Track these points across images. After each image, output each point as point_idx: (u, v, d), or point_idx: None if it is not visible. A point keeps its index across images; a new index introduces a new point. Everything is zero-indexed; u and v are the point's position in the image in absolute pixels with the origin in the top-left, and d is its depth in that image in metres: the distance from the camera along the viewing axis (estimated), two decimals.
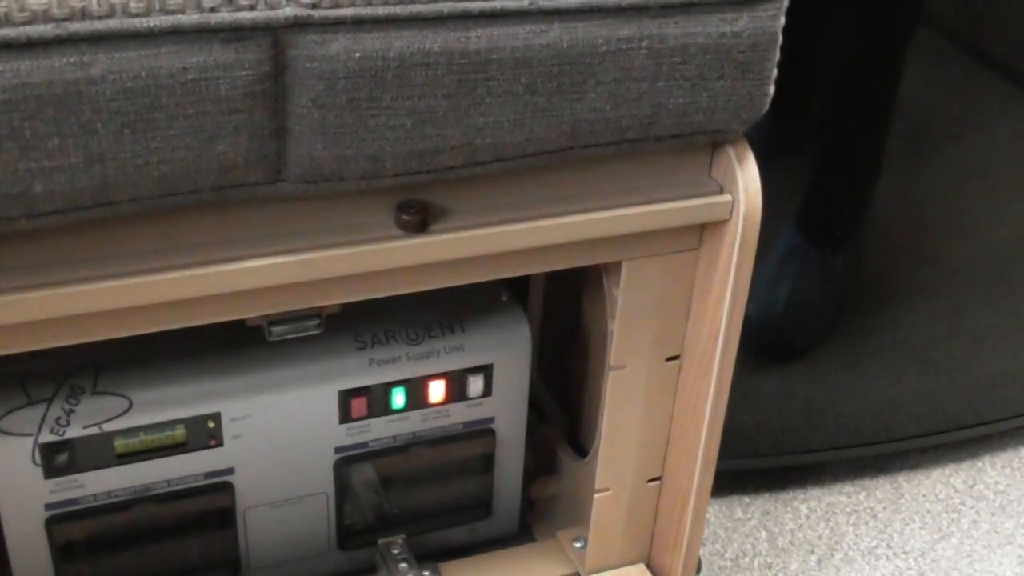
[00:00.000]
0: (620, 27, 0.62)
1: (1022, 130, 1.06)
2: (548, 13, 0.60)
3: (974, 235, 1.10)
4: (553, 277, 0.92)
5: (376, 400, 0.78)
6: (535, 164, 0.66)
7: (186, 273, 0.61)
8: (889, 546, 1.16)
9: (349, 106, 0.58)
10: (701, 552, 0.87)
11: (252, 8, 0.55)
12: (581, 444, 0.90)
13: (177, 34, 0.54)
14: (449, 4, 0.58)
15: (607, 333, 0.78)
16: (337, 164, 0.60)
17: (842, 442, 1.19)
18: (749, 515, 1.19)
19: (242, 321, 0.68)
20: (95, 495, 0.74)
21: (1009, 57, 1.03)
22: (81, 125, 0.54)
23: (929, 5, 0.98)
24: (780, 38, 0.67)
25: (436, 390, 0.80)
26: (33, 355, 0.63)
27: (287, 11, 0.55)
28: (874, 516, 1.20)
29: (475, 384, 0.81)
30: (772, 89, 0.68)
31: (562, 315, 0.91)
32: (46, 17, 0.51)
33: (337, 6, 0.56)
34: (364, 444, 0.80)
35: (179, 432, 0.74)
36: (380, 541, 0.84)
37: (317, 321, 0.71)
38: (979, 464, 1.28)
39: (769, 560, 1.13)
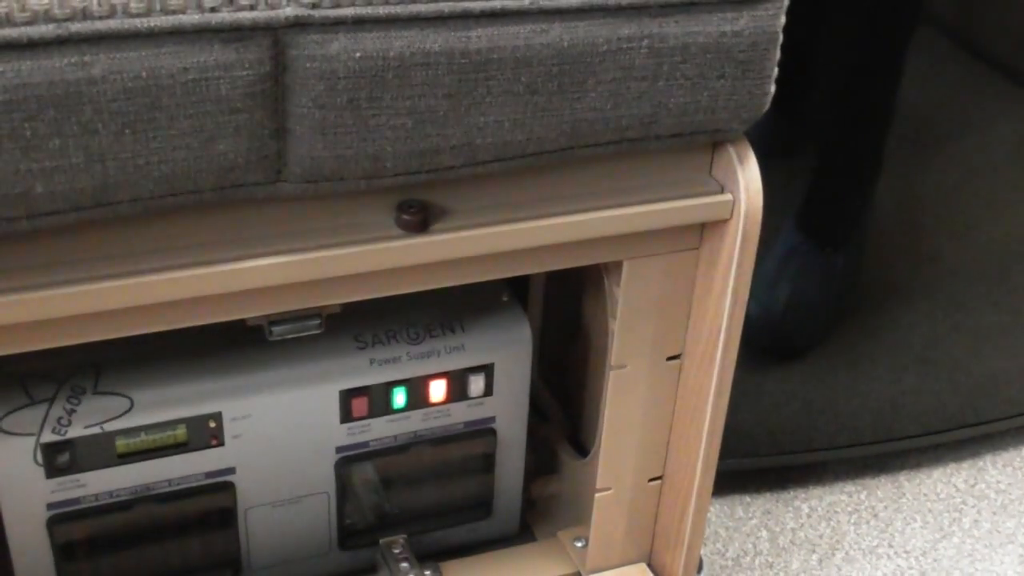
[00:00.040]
0: (621, 26, 0.62)
1: (1022, 130, 1.06)
2: (548, 12, 0.60)
3: (974, 235, 1.10)
4: (553, 277, 0.92)
5: (377, 400, 0.78)
6: (535, 164, 0.66)
7: (187, 273, 0.61)
8: (890, 545, 1.16)
9: (349, 106, 0.58)
10: (702, 551, 0.87)
11: (252, 8, 0.55)
12: (582, 444, 0.90)
13: (178, 34, 0.54)
14: (449, 4, 0.58)
15: (608, 333, 0.78)
16: (337, 164, 0.60)
17: (843, 441, 1.19)
18: (750, 514, 1.19)
19: (243, 321, 0.68)
20: (96, 495, 0.74)
21: (1009, 57, 1.03)
22: (82, 125, 0.54)
23: (929, 5, 0.98)
24: (781, 37, 0.67)
25: (437, 390, 0.80)
26: (34, 355, 0.63)
27: (287, 11, 0.55)
28: (875, 515, 1.20)
29: (476, 384, 0.81)
30: (773, 88, 0.68)
31: (562, 315, 0.91)
32: (47, 17, 0.51)
33: (337, 6, 0.56)
34: (365, 444, 0.80)
35: (180, 432, 0.74)
36: (381, 541, 0.84)
37: (318, 321, 0.71)
38: (980, 463, 1.28)
39: (770, 559, 1.13)
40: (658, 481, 0.84)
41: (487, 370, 0.81)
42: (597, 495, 0.83)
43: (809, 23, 0.94)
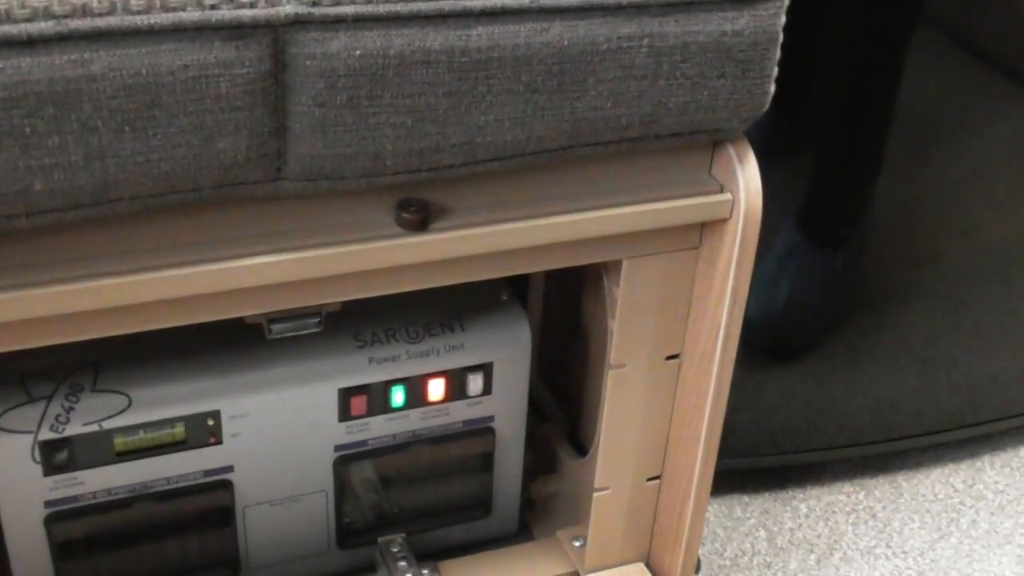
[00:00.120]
0: (621, 25, 0.62)
1: (1022, 130, 1.06)
2: (549, 11, 0.60)
3: (974, 235, 1.10)
4: (553, 276, 0.92)
5: (376, 398, 0.78)
6: (535, 162, 0.66)
7: (186, 271, 0.61)
8: (888, 545, 1.16)
9: (349, 104, 0.58)
10: (700, 551, 0.87)
11: (253, 6, 0.55)
12: (581, 443, 0.90)
13: (178, 31, 0.54)
14: (450, 2, 0.58)
15: (607, 332, 0.78)
16: (337, 162, 0.60)
17: (842, 441, 1.19)
18: (748, 514, 1.19)
19: (242, 319, 0.68)
20: (95, 493, 0.74)
21: (1009, 57, 1.03)
22: (81, 123, 0.54)
23: (929, 5, 0.98)
24: (781, 37, 0.67)
25: (436, 388, 0.80)
26: (33, 352, 0.63)
27: (288, 9, 0.55)
28: (873, 515, 1.20)
29: (475, 383, 0.81)
30: (773, 88, 0.68)
31: (562, 314, 0.91)
32: (47, 14, 0.51)
33: (338, 4, 0.56)
34: (364, 442, 0.80)
35: (179, 430, 0.74)
36: (380, 540, 0.84)
37: (317, 319, 0.71)
38: (978, 464, 1.28)
39: (768, 559, 1.13)
40: (657, 481, 0.84)
41: (486, 369, 0.80)
42: (596, 494, 0.83)
43: (809, 23, 0.94)
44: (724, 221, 0.72)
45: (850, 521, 1.19)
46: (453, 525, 0.86)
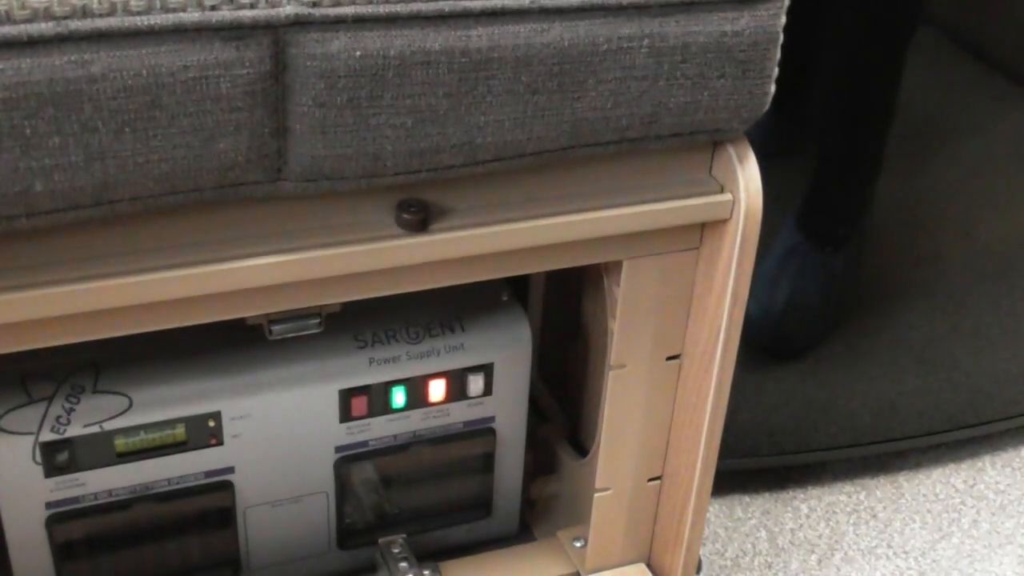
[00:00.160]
0: (621, 26, 0.62)
1: (1022, 130, 1.06)
2: (549, 12, 0.60)
3: (974, 235, 1.10)
4: (553, 276, 0.92)
5: (376, 399, 0.78)
6: (536, 163, 0.66)
7: (186, 272, 0.61)
8: (889, 546, 1.16)
9: (350, 105, 0.58)
10: (701, 552, 0.87)
11: (253, 6, 0.55)
12: (581, 443, 0.90)
13: (178, 32, 0.54)
14: (450, 3, 0.58)
15: (607, 332, 0.78)
16: (338, 163, 0.60)
17: (842, 442, 1.19)
18: (749, 514, 1.19)
19: (242, 320, 0.68)
20: (95, 494, 0.74)
21: (1009, 57, 1.03)
22: (82, 123, 0.54)
23: (929, 5, 0.98)
24: (781, 37, 0.67)
25: (436, 389, 0.80)
26: (33, 354, 0.63)
27: (288, 9, 0.55)
28: (874, 516, 1.20)
29: (475, 383, 0.81)
30: (773, 88, 0.68)
31: (562, 315, 0.91)
32: (47, 15, 0.51)
33: (338, 5, 0.56)
34: (364, 443, 0.80)
35: (179, 431, 0.74)
36: (380, 540, 0.84)
37: (317, 320, 0.71)
38: (979, 464, 1.28)
39: (769, 560, 1.13)
40: (657, 481, 0.84)
41: (487, 370, 0.80)
42: (596, 495, 0.83)
43: (809, 23, 0.94)
44: (724, 221, 0.72)
45: (851, 521, 1.19)
46: (454, 526, 0.86)
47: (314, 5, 0.56)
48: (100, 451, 0.73)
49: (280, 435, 0.77)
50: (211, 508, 0.78)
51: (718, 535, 1.16)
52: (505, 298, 0.83)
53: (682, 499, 0.82)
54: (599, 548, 0.85)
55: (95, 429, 0.72)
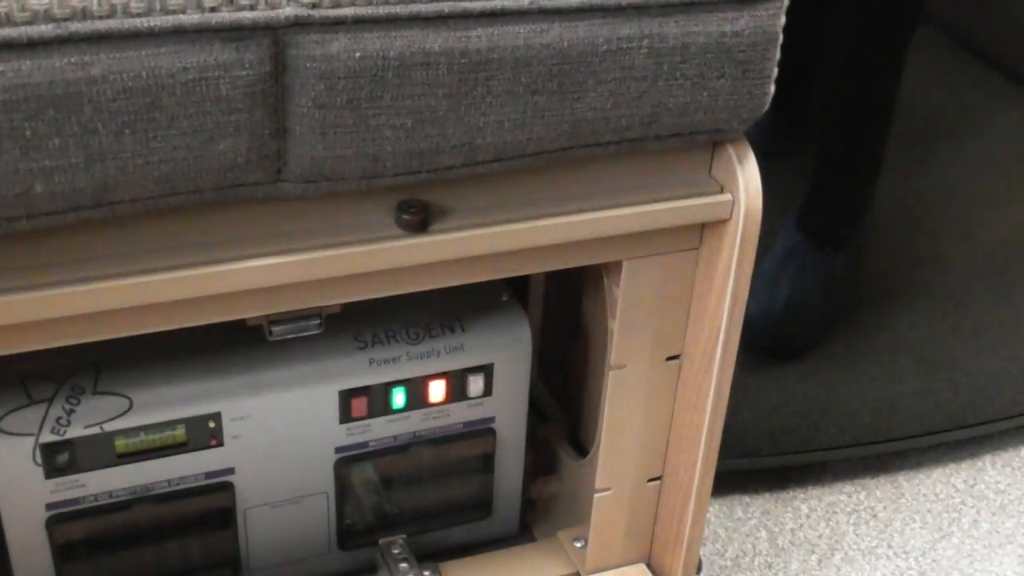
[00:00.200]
0: (620, 26, 0.62)
1: (1022, 130, 1.06)
2: (548, 12, 0.60)
3: (974, 235, 1.10)
4: (553, 277, 0.92)
5: (376, 400, 0.78)
6: (535, 164, 0.66)
7: (186, 273, 0.61)
8: (889, 546, 1.16)
9: (349, 106, 0.58)
10: (701, 552, 0.87)
11: (252, 8, 0.55)
12: (581, 444, 0.90)
13: (178, 34, 0.54)
14: (449, 4, 0.58)
15: (607, 333, 0.78)
16: (337, 164, 0.60)
17: (842, 442, 1.19)
18: (749, 515, 1.19)
19: (243, 321, 0.68)
20: (96, 495, 0.74)
21: (1009, 57, 1.03)
22: (82, 125, 0.54)
23: (929, 5, 0.98)
24: (780, 37, 0.67)
25: (436, 390, 0.80)
26: (34, 355, 0.63)
27: (287, 11, 0.55)
28: (874, 516, 1.20)
29: (475, 384, 0.81)
30: (772, 88, 0.68)
31: (562, 315, 0.91)
32: (47, 17, 0.51)
33: (337, 6, 0.56)
34: (364, 444, 0.80)
35: (179, 432, 0.74)
36: (380, 541, 0.84)
37: (317, 321, 0.71)
38: (979, 463, 1.28)
39: (769, 560, 1.13)
40: (657, 481, 0.84)
41: (487, 370, 0.80)
42: (596, 495, 0.83)
43: (809, 23, 0.94)
44: (724, 222, 0.72)
45: (851, 521, 1.19)
46: (454, 526, 0.86)
47: (314, 6, 0.56)
48: (100, 452, 0.73)
49: (280, 436, 0.77)
50: (211, 509, 0.78)
51: (718, 535, 1.16)
52: (505, 298, 0.83)
53: (682, 499, 0.82)
54: (599, 548, 0.85)
55: (95, 430, 0.72)
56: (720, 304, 0.74)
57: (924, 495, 1.23)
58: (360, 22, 0.57)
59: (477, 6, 0.59)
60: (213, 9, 0.54)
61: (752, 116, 0.69)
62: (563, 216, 0.68)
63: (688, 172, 0.72)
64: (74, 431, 0.71)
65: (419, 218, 0.65)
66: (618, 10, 0.62)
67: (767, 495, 1.21)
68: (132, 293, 0.60)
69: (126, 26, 0.53)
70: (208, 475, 0.76)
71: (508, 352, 0.81)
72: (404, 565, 0.82)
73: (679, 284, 0.76)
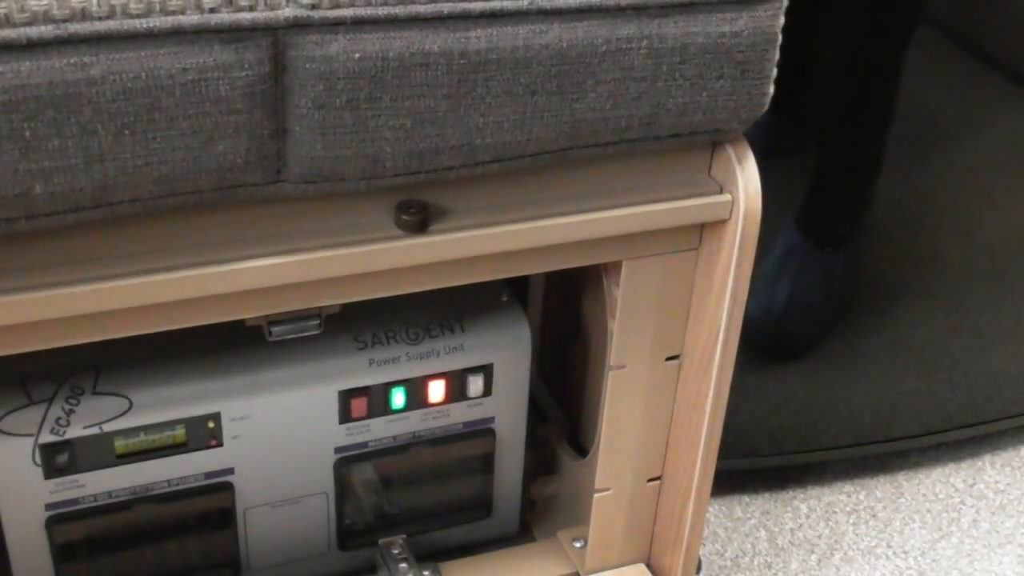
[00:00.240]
0: (619, 27, 0.62)
1: (1022, 130, 1.06)
2: (548, 13, 0.60)
3: (974, 235, 1.10)
4: (553, 277, 0.92)
5: (376, 400, 0.78)
6: (535, 164, 0.66)
7: (186, 273, 0.61)
8: (889, 545, 1.16)
9: (349, 106, 0.58)
10: (701, 552, 0.87)
11: (252, 9, 0.55)
12: (581, 444, 0.90)
13: (177, 35, 0.54)
14: (449, 4, 0.58)
15: (607, 333, 0.78)
16: (337, 164, 0.60)
17: (842, 441, 1.19)
18: (749, 514, 1.19)
19: (242, 321, 0.68)
20: (95, 495, 0.74)
21: (1009, 57, 1.03)
22: (81, 126, 0.54)
23: (929, 5, 0.98)
24: (780, 38, 0.67)
25: (436, 390, 0.80)
26: (33, 355, 0.63)
27: (287, 12, 0.55)
28: (874, 515, 1.20)
29: (475, 384, 0.81)
30: (772, 88, 0.68)
31: (562, 315, 0.91)
32: (46, 18, 0.51)
33: (337, 7, 0.56)
34: (364, 444, 0.80)
35: (179, 432, 0.74)
36: (380, 541, 0.84)
37: (317, 321, 0.71)
38: (979, 463, 1.28)
39: (769, 560, 1.13)
40: (657, 481, 0.84)
41: (486, 370, 0.81)
42: (596, 495, 0.83)
43: (809, 23, 0.94)
44: (724, 222, 0.72)
45: (851, 521, 1.19)
46: (454, 526, 0.86)
47: (313, 7, 0.56)
48: (100, 452, 0.73)
49: (280, 436, 0.77)
50: (211, 509, 0.78)
51: (718, 535, 1.16)
52: (505, 299, 0.83)
53: (682, 499, 0.82)
54: (599, 548, 0.85)
55: (95, 430, 0.72)
56: (720, 304, 0.74)
57: (924, 495, 1.23)
58: (359, 23, 0.57)
59: (476, 7, 0.59)
60: (212, 10, 0.54)
61: (751, 116, 0.69)
62: (563, 216, 0.68)
63: (687, 172, 0.72)
64: (74, 431, 0.72)
65: (419, 218, 0.65)
66: (617, 11, 0.62)
67: (767, 495, 1.21)
68: (132, 293, 0.60)
69: (125, 27, 0.53)
70: (208, 475, 0.76)
71: (508, 352, 0.81)
72: (404, 565, 0.82)
73: (679, 284, 0.76)
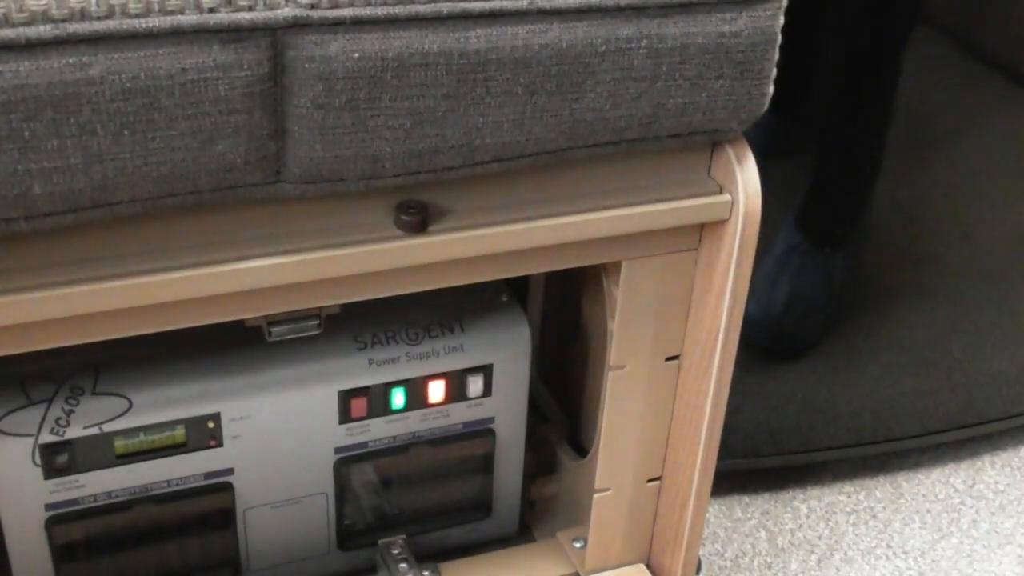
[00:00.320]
0: (619, 27, 0.62)
1: (1022, 130, 1.06)
2: (547, 13, 0.60)
3: (974, 235, 1.10)
4: (553, 277, 0.92)
5: (376, 400, 0.78)
6: (534, 164, 0.66)
7: (185, 274, 0.61)
8: (889, 546, 1.16)
9: (348, 107, 0.58)
10: (701, 552, 0.87)
11: (251, 9, 0.55)
12: (581, 444, 0.90)
13: (176, 35, 0.54)
14: (448, 4, 0.58)
15: (607, 333, 0.78)
16: (336, 164, 0.60)
17: (842, 442, 1.19)
18: (749, 515, 1.19)
19: (242, 321, 0.68)
20: (95, 495, 0.74)
21: (1009, 57, 1.03)
22: (80, 126, 0.54)
23: (929, 5, 0.98)
24: (779, 38, 0.67)
25: (436, 390, 0.80)
26: (33, 356, 0.63)
27: (286, 12, 0.55)
28: (874, 516, 1.20)
29: (475, 384, 0.81)
30: (771, 89, 0.68)
31: (562, 315, 0.91)
32: (45, 18, 0.51)
33: (336, 6, 0.56)
34: (364, 444, 0.80)
35: (179, 432, 0.74)
36: (380, 541, 0.84)
37: (317, 321, 0.71)
38: (979, 464, 1.28)
39: (769, 560, 1.13)
40: (657, 482, 0.84)
41: (486, 370, 0.81)
42: (596, 496, 0.83)
43: (808, 23, 0.94)
44: (723, 222, 0.72)
45: (851, 521, 1.19)
46: (454, 526, 0.86)
47: (312, 7, 0.56)
48: (100, 453, 0.73)
49: (280, 436, 0.77)
50: (211, 509, 0.78)
51: (718, 535, 1.16)
52: (504, 299, 0.83)
53: (682, 499, 0.82)
54: (599, 549, 0.85)
55: (95, 431, 0.72)
56: (720, 304, 0.74)
57: (923, 495, 1.23)
58: (359, 23, 0.57)
59: (476, 7, 0.59)
60: (211, 10, 0.54)
61: (751, 116, 0.69)
62: (563, 216, 0.68)
63: (687, 173, 0.72)
64: (73, 432, 0.72)
65: (418, 219, 0.65)
66: (617, 11, 0.62)
67: (767, 495, 1.21)
68: (132, 293, 0.60)
69: (124, 27, 0.53)
70: (208, 475, 0.76)
71: (508, 352, 0.81)
72: (404, 565, 0.82)
73: (678, 284, 0.76)
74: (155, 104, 0.54)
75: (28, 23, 0.51)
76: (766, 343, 1.12)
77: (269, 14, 0.55)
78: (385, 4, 0.57)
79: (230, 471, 0.77)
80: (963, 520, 1.20)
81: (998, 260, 1.13)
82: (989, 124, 1.04)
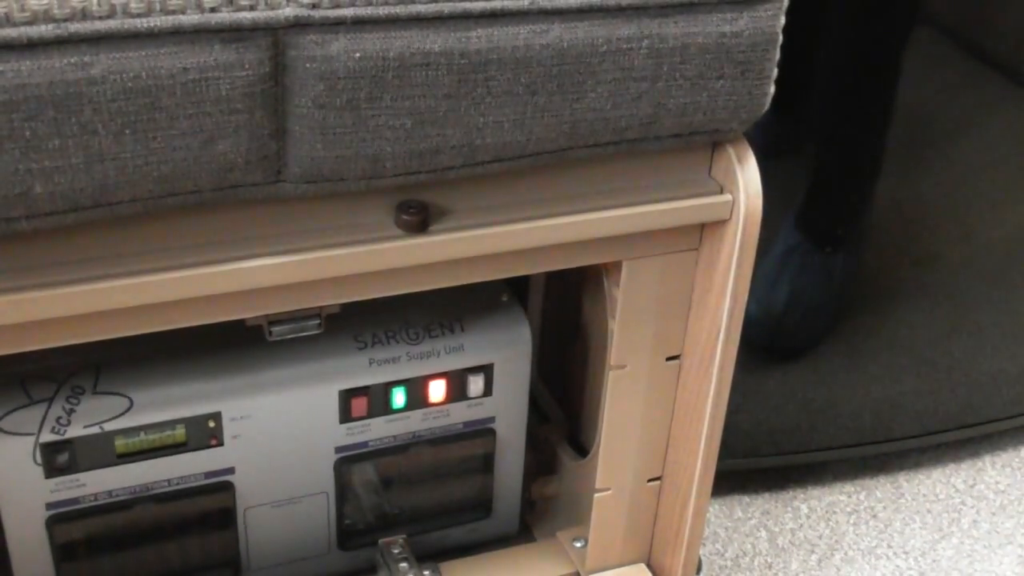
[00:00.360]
0: (620, 27, 0.62)
1: (1022, 130, 1.06)
2: (548, 13, 0.60)
3: (974, 235, 1.10)
4: (553, 277, 0.92)
5: (376, 400, 0.78)
6: (535, 164, 0.66)
7: (186, 273, 0.61)
8: (889, 546, 1.16)
9: (349, 106, 0.58)
10: (701, 552, 0.87)
11: (252, 8, 0.55)
12: (581, 444, 0.90)
13: (177, 34, 0.54)
14: (449, 4, 0.58)
15: (607, 333, 0.78)
16: (337, 164, 0.60)
17: (842, 442, 1.19)
18: (749, 515, 1.19)
19: (242, 321, 0.68)
20: (96, 495, 0.74)
21: (1009, 57, 1.03)
22: (81, 126, 0.54)
23: (929, 5, 0.98)
24: (780, 38, 0.67)
25: (436, 390, 0.80)
26: (34, 355, 0.63)
27: (287, 11, 0.55)
28: (874, 516, 1.20)
29: (475, 384, 0.81)
30: (772, 89, 0.68)
31: (562, 315, 0.91)
32: (47, 17, 0.51)
33: (337, 6, 0.56)
34: (364, 444, 0.80)
35: (179, 432, 0.74)
36: (380, 541, 0.84)
37: (317, 321, 0.71)
38: (979, 464, 1.28)
39: (769, 560, 1.13)
40: (657, 481, 0.84)
41: (486, 370, 0.81)
42: (596, 495, 0.83)
43: (809, 23, 0.94)
44: (724, 222, 0.72)
45: (851, 521, 1.19)
46: (454, 526, 0.86)
47: (313, 7, 0.56)
48: (100, 452, 0.73)
49: (280, 436, 0.77)
50: (211, 509, 0.78)
51: (718, 535, 1.16)
52: (505, 299, 0.83)
53: (682, 499, 0.82)
54: (599, 548, 0.85)
55: (95, 430, 0.72)
56: (720, 304, 0.74)
57: (924, 495, 1.23)
58: (360, 23, 0.57)
59: (477, 7, 0.59)
60: (213, 9, 0.54)
61: (752, 117, 0.69)
62: (563, 216, 0.68)
63: (688, 173, 0.72)
64: (74, 431, 0.72)
65: (419, 218, 0.65)
66: (618, 11, 0.62)
67: (767, 495, 1.21)
68: (132, 293, 0.60)
69: (126, 26, 0.53)
70: (208, 475, 0.76)
71: (508, 352, 0.81)
72: (404, 565, 0.82)
73: (679, 284, 0.76)
74: (156, 104, 0.55)
75: (30, 22, 0.51)
76: (766, 343, 1.12)
77: (270, 14, 0.55)
78: (386, 4, 0.57)
79: (231, 470, 0.77)
80: (964, 520, 1.20)
81: (998, 260, 1.13)
82: (989, 124, 1.04)
